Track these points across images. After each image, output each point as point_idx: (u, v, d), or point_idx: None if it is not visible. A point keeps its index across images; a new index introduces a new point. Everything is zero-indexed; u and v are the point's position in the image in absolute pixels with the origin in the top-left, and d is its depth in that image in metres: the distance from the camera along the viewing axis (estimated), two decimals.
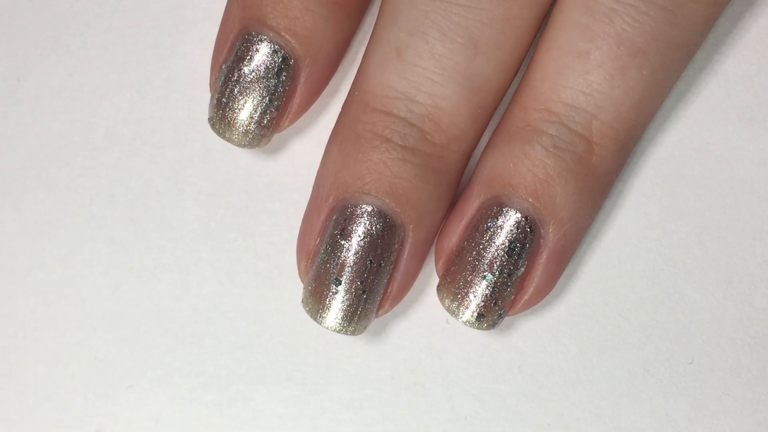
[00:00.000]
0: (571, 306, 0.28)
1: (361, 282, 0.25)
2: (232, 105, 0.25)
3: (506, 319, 0.28)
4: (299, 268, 0.26)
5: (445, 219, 0.26)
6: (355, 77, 0.26)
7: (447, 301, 0.25)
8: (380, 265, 0.25)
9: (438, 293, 0.25)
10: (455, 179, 0.26)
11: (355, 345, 0.28)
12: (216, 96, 0.26)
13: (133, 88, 0.29)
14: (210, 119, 0.26)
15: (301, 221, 0.26)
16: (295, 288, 0.27)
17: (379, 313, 0.26)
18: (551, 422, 0.27)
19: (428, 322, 0.28)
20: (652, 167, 0.28)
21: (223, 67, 0.26)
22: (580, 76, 0.24)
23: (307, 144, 0.29)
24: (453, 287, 0.25)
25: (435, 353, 0.28)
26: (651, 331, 0.28)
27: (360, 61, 0.26)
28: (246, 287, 0.28)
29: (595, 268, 0.28)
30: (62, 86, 0.29)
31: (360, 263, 0.24)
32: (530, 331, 0.28)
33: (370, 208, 0.24)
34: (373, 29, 0.25)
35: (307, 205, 0.26)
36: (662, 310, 0.28)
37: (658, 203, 0.28)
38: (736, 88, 0.29)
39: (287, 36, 0.25)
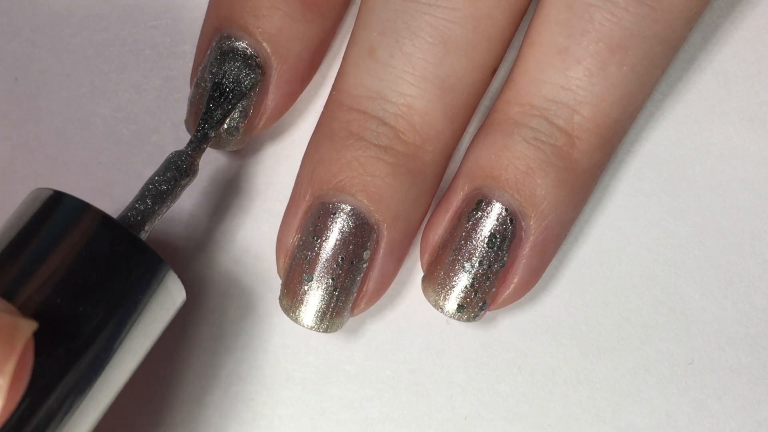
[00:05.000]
0: (571, 306, 0.28)
1: (333, 279, 0.25)
2: (202, 106, 0.26)
3: (506, 318, 0.28)
4: (277, 265, 0.26)
5: (432, 212, 0.26)
6: (336, 77, 0.26)
7: (429, 293, 0.25)
8: (352, 263, 0.25)
9: (422, 286, 0.26)
10: (433, 180, 0.26)
11: (355, 345, 0.28)
12: (189, 98, 0.26)
13: (132, 87, 0.29)
14: (185, 121, 0.26)
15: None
16: None
17: (355, 311, 0.26)
18: (551, 422, 0.27)
19: (428, 322, 0.28)
20: (652, 167, 0.28)
21: (198, 69, 0.26)
22: (560, 72, 0.24)
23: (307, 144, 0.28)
24: (435, 279, 0.25)
25: (435, 353, 0.28)
26: (651, 331, 0.28)
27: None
28: (246, 287, 0.28)
29: (596, 268, 0.28)
30: (61, 85, 0.29)
31: (331, 260, 0.25)
32: (530, 331, 0.28)
33: (342, 206, 0.24)
34: (352, 30, 0.26)
35: (287, 203, 0.26)
36: (662, 310, 0.28)
37: (658, 203, 0.28)
38: (736, 88, 0.29)
39: (255, 34, 0.25)
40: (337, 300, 0.25)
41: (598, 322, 0.28)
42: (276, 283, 0.27)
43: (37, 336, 0.19)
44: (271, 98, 0.26)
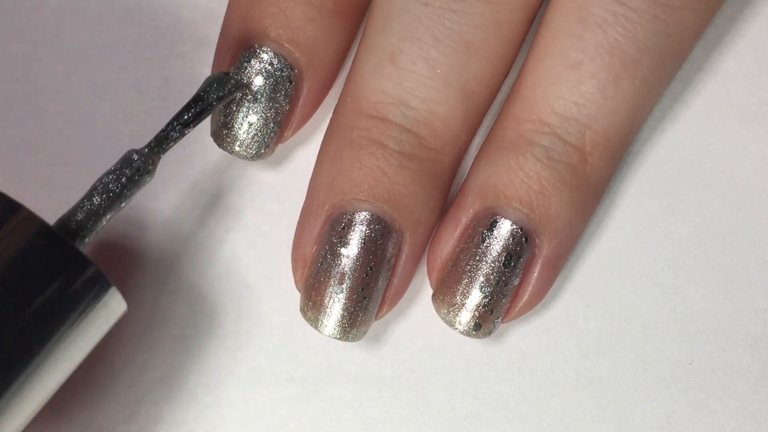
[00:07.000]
0: (571, 306, 0.28)
1: (363, 289, 0.25)
2: (236, 119, 0.25)
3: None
4: (295, 276, 0.26)
5: (438, 226, 0.26)
6: (346, 84, 0.25)
7: (443, 312, 0.25)
8: (379, 272, 0.25)
9: (434, 303, 0.26)
10: (449, 182, 0.26)
11: (355, 345, 0.28)
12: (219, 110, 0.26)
13: (133, 87, 0.29)
14: (213, 133, 0.26)
15: (295, 228, 0.26)
16: (296, 288, 0.27)
17: (378, 316, 0.26)
18: (551, 422, 0.27)
19: (428, 322, 0.28)
20: (652, 167, 0.28)
21: None
22: (573, 87, 0.24)
23: (307, 144, 0.28)
24: (449, 298, 0.25)
25: (435, 353, 0.28)
26: (651, 331, 0.28)
27: (350, 67, 0.26)
28: (246, 287, 0.28)
29: (596, 268, 0.28)
30: (61, 86, 0.29)
31: (361, 270, 0.25)
32: (530, 331, 0.28)
33: (368, 215, 0.24)
34: (363, 35, 0.25)
35: (301, 213, 0.26)
36: (662, 310, 0.28)
37: (658, 203, 0.28)
38: (736, 88, 0.29)
39: (290, 47, 0.25)
40: (366, 308, 0.25)
41: (598, 322, 0.28)
42: (276, 282, 0.27)
43: None
44: (302, 107, 0.26)
